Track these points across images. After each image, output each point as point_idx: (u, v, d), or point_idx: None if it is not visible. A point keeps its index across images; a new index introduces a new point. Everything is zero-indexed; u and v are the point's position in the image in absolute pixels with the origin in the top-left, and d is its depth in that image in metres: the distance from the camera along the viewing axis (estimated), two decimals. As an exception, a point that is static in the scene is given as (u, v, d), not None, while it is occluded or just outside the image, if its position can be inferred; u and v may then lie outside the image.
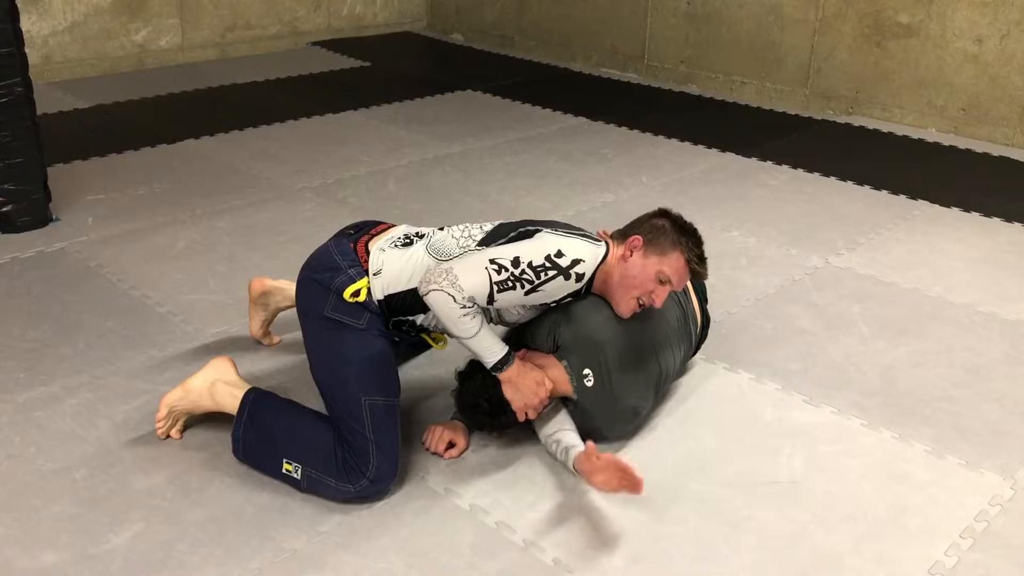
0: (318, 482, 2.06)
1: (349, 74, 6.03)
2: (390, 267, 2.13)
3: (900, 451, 2.33)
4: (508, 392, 2.10)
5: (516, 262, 2.01)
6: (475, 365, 2.19)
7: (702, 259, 2.20)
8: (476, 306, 2.02)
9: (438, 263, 2.09)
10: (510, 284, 2.01)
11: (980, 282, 3.26)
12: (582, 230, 2.20)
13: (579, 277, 2.06)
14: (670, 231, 2.17)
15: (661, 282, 2.14)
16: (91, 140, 4.50)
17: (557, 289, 2.06)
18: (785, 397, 2.55)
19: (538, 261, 2.02)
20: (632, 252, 2.14)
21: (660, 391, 2.36)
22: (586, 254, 2.08)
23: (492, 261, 2.02)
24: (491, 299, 2.02)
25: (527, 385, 2.09)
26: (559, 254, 2.04)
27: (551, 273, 2.03)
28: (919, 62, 4.99)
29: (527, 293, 2.03)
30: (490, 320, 2.19)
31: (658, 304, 2.16)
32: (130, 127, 4.76)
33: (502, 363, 2.07)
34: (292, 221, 3.64)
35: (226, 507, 2.06)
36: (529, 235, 2.10)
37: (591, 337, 2.16)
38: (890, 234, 3.66)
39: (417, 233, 2.22)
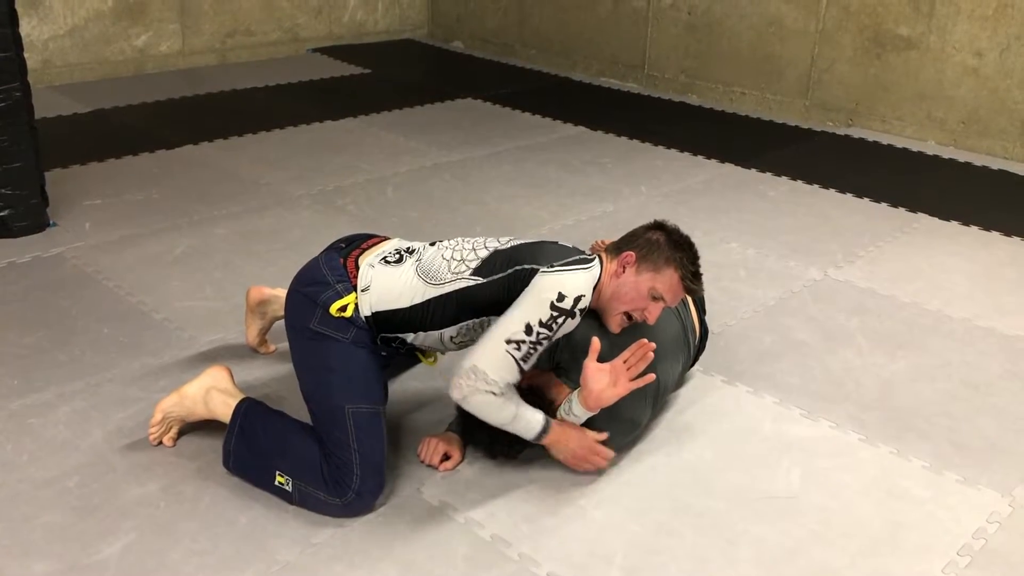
0: (308, 496, 2.05)
1: (349, 81, 6.02)
2: (378, 284, 2.11)
3: (898, 466, 2.32)
4: (557, 454, 2.14)
5: (528, 329, 1.98)
6: None
7: (697, 276, 2.15)
8: (511, 388, 2.03)
9: (439, 332, 2.11)
10: (531, 351, 2.00)
11: (979, 296, 3.26)
12: (575, 251, 2.14)
13: (583, 311, 2.03)
14: (665, 246, 2.12)
15: (654, 298, 2.11)
16: (90, 145, 4.49)
17: (568, 327, 2.03)
18: (783, 411, 2.54)
19: (546, 316, 1.98)
20: (625, 268, 2.11)
21: (658, 404, 2.35)
22: (584, 286, 2.02)
23: (508, 341, 1.98)
24: (522, 371, 2.02)
25: (574, 449, 2.13)
26: (561, 297, 1.98)
27: (560, 319, 1.99)
28: (919, 75, 4.99)
29: (548, 345, 2.03)
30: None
31: (651, 321, 2.13)
32: (129, 132, 4.75)
33: (543, 433, 2.09)
34: (290, 228, 3.63)
35: (219, 517, 2.05)
36: (524, 278, 2.03)
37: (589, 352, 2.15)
38: (889, 247, 3.66)
39: (408, 249, 2.19)
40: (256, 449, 2.12)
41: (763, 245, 3.64)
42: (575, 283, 2.01)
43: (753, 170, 4.51)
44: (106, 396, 2.48)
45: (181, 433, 2.30)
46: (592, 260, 2.10)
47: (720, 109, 5.67)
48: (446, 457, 2.24)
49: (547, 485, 2.20)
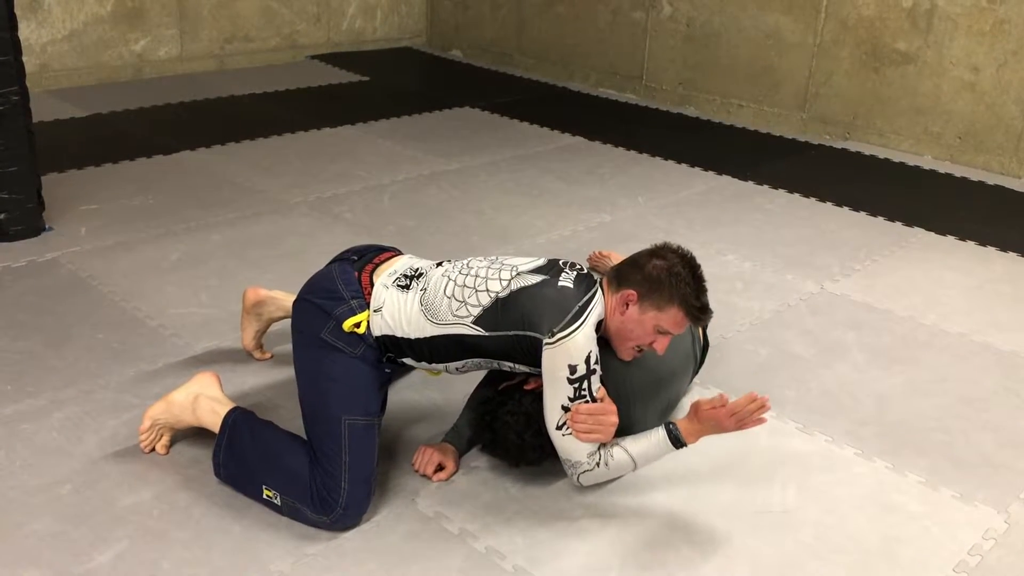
0: (297, 510, 2.04)
1: (347, 88, 6.03)
2: (389, 308, 2.10)
3: (893, 481, 2.32)
4: (714, 433, 2.06)
5: (566, 408, 2.02)
6: (492, 410, 2.19)
7: (704, 309, 2.07)
8: (599, 450, 2.09)
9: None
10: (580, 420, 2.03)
11: (975, 311, 3.26)
12: (572, 295, 2.03)
13: (596, 359, 2.02)
14: (666, 283, 2.02)
15: (660, 332, 2.08)
16: (87, 149, 4.48)
17: (596, 380, 2.03)
18: (779, 424, 2.53)
19: (571, 391, 2.00)
20: (628, 305, 2.06)
21: (666, 417, 2.35)
22: (587, 341, 1.98)
23: (558, 428, 2.05)
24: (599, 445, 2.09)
25: (711, 425, 2.04)
26: (573, 370, 1.98)
27: (584, 384, 2.00)
28: (916, 89, 5.00)
29: (590, 397, 2.03)
30: (498, 367, 2.15)
31: (660, 352, 2.12)
32: (126, 137, 4.74)
33: (675, 440, 2.07)
34: (286, 235, 3.63)
35: (213, 526, 2.04)
36: (531, 345, 2.01)
37: (611, 372, 2.14)
38: (886, 261, 3.66)
39: (417, 272, 2.17)
40: (244, 462, 2.11)
41: (759, 257, 3.64)
42: (578, 347, 1.98)
43: (750, 182, 4.52)
44: (100, 402, 2.47)
45: (175, 441, 2.29)
46: (592, 300, 2.03)
47: (718, 121, 5.68)
48: (440, 467, 2.23)
49: (542, 497, 2.19)
